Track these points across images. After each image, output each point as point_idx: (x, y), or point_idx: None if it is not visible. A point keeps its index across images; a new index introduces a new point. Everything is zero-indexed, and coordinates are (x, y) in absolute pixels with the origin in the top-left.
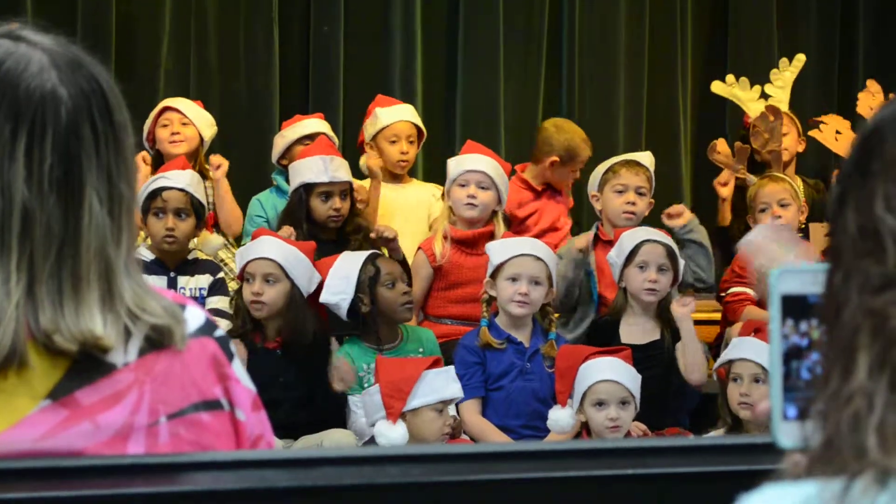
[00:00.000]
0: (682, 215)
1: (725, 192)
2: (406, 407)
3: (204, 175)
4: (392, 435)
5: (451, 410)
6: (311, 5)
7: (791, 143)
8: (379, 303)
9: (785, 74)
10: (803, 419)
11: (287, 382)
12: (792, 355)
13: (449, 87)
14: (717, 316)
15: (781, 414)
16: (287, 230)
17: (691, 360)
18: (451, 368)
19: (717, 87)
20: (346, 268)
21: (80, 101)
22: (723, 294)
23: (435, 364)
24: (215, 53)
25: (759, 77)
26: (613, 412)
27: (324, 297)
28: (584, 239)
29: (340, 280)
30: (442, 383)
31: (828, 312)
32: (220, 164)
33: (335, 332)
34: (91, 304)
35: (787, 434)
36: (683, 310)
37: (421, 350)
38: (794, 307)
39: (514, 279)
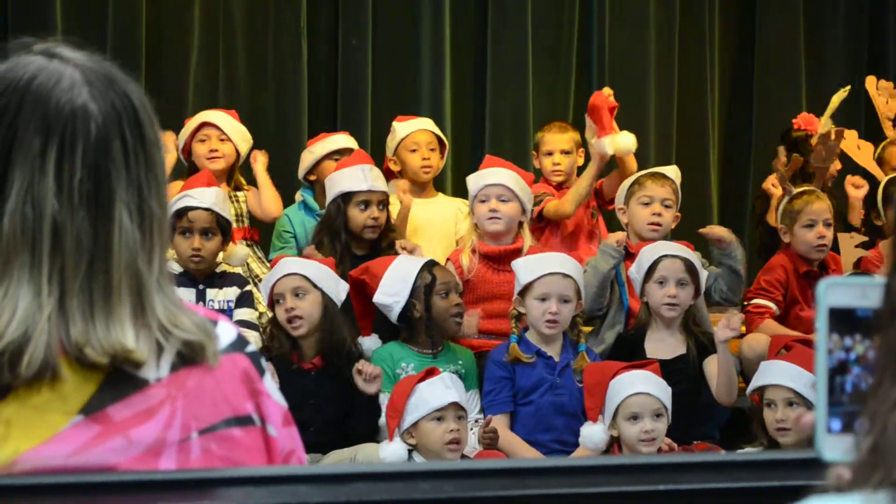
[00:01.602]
0: (722, 238)
1: (777, 192)
2: (404, 425)
3: (238, 188)
4: (385, 454)
5: (473, 417)
6: (340, 19)
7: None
8: (431, 311)
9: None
10: (847, 432)
11: (318, 404)
12: (836, 370)
13: (478, 102)
14: (745, 329)
15: (826, 427)
16: (310, 250)
17: (724, 385)
18: (445, 375)
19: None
20: (403, 272)
21: (110, 116)
22: (746, 303)
23: (430, 374)
24: (244, 67)
25: (785, 92)
26: (648, 424)
27: (377, 298)
28: (622, 233)
29: (396, 283)
30: (432, 393)
31: (883, 317)
32: (256, 159)
33: (379, 334)
34: (122, 317)
35: (831, 447)
36: (728, 334)
37: (460, 362)
38: (841, 321)
39: (543, 298)
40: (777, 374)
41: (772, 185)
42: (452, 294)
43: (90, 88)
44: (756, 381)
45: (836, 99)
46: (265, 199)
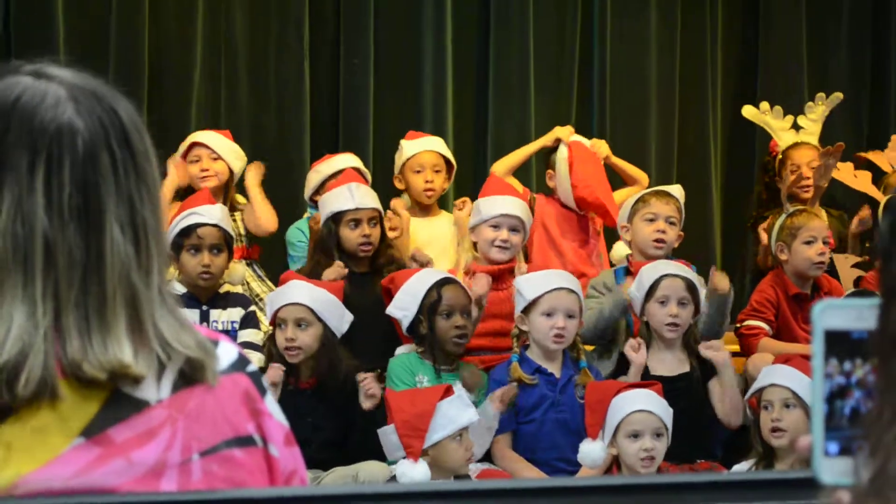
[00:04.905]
0: (720, 285)
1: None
2: (426, 444)
3: (234, 207)
4: (413, 474)
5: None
6: (341, 39)
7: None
8: (434, 330)
9: (819, 108)
10: (845, 455)
11: (317, 423)
12: (837, 394)
13: (480, 121)
14: (741, 350)
15: (823, 450)
16: (338, 269)
17: (730, 406)
18: (464, 394)
19: (748, 111)
20: (415, 287)
21: (97, 131)
22: (738, 325)
23: (446, 392)
24: (246, 88)
25: (789, 108)
26: (648, 443)
27: (390, 310)
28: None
29: (407, 297)
30: (456, 411)
31: (882, 347)
32: (250, 170)
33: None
34: (118, 332)
35: (829, 470)
36: (717, 355)
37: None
38: (838, 343)
39: (549, 314)
40: (775, 375)
41: (764, 228)
42: (456, 315)
43: (75, 104)
44: (755, 385)
45: (822, 108)
46: (258, 212)
